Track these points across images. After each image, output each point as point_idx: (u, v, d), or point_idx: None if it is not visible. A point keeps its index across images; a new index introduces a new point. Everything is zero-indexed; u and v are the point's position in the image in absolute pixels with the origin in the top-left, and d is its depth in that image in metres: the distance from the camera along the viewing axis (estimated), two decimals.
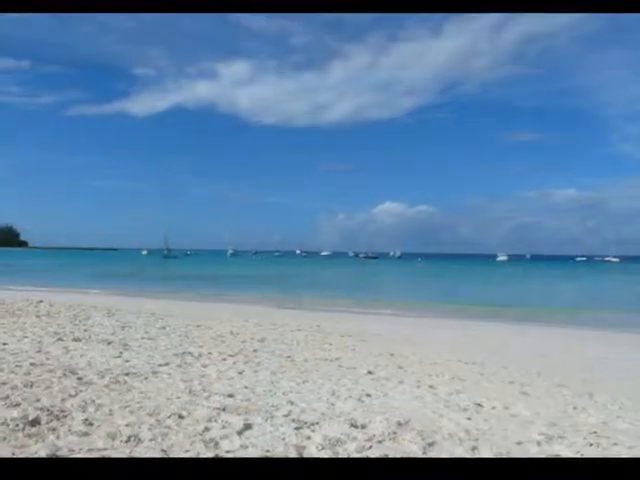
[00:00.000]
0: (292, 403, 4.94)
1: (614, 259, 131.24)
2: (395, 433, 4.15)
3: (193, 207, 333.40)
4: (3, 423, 3.78)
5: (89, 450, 3.44)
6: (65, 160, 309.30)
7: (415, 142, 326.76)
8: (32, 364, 5.86)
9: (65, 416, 4.08)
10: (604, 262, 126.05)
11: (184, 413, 4.34)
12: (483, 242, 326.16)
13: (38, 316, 10.93)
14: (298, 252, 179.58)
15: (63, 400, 4.48)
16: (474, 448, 3.95)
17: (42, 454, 3.30)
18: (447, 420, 4.73)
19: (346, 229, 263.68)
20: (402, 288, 40.24)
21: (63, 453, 3.36)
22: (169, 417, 4.21)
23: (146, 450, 3.51)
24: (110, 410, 4.32)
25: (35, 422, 3.87)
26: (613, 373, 8.63)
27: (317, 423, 4.30)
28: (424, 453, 3.82)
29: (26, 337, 7.94)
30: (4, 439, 3.54)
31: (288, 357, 7.82)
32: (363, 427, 4.28)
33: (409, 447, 3.90)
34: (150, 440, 3.69)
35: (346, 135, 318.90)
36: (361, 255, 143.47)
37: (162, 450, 3.53)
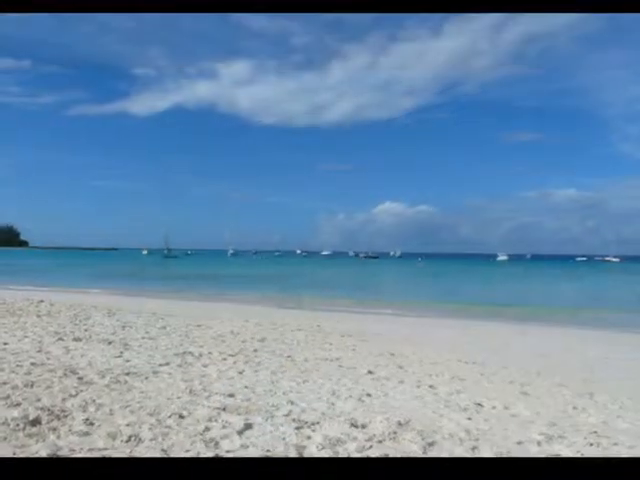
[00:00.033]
0: (292, 403, 4.95)
1: (614, 259, 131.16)
2: (395, 433, 4.15)
3: (193, 207, 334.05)
4: (4, 423, 3.79)
5: (90, 450, 3.44)
6: (65, 160, 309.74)
7: (415, 142, 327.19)
8: (33, 364, 5.86)
9: (66, 416, 4.08)
10: (604, 262, 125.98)
11: (184, 413, 4.34)
12: (483, 242, 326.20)
13: (39, 316, 10.94)
14: (298, 252, 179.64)
15: (64, 400, 4.48)
16: (474, 448, 3.96)
17: (43, 454, 3.31)
18: (447, 420, 4.73)
19: (346, 229, 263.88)
20: (402, 288, 40.25)
21: (64, 453, 3.37)
22: (169, 417, 4.21)
23: (146, 450, 3.52)
24: (111, 410, 4.32)
25: (36, 422, 3.88)
26: (613, 373, 8.63)
27: (317, 423, 4.31)
28: (424, 453, 3.82)
29: (27, 337, 7.95)
30: (5, 439, 3.54)
31: (288, 357, 7.82)
32: (363, 427, 4.28)
33: (409, 447, 3.90)
34: (151, 440, 3.70)
35: (346, 135, 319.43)
36: (361, 255, 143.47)
37: (162, 450, 3.53)
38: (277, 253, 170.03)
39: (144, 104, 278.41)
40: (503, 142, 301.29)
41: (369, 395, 5.58)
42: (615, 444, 4.30)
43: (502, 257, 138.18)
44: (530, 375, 7.80)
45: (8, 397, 4.43)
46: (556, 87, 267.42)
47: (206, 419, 4.22)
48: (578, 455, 3.94)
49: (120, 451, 3.47)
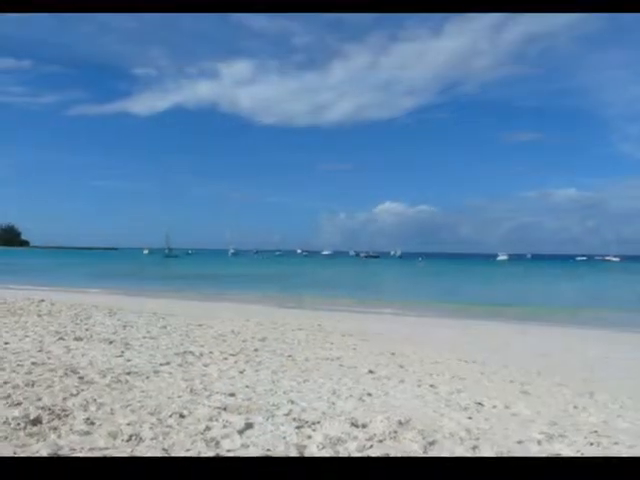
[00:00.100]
0: (293, 402, 4.95)
1: (614, 259, 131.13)
2: (396, 432, 4.15)
3: (194, 207, 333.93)
4: (5, 422, 3.79)
5: (90, 449, 3.45)
6: (66, 160, 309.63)
7: (415, 142, 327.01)
8: (33, 363, 5.87)
9: (66, 415, 4.09)
10: (604, 262, 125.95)
11: (185, 412, 4.35)
12: (483, 242, 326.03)
13: (39, 315, 10.95)
14: (299, 251, 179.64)
15: (64, 399, 4.49)
16: (475, 447, 3.96)
17: (43, 453, 3.31)
18: (448, 419, 4.74)
19: (347, 229, 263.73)
20: (403, 287, 40.26)
21: (64, 452, 3.37)
22: (170, 416, 4.22)
23: (147, 449, 3.52)
24: (111, 409, 4.33)
25: (36, 421, 3.88)
26: (614, 372, 8.63)
27: (318, 422, 4.31)
28: (425, 452, 3.82)
29: (27, 336, 7.96)
30: (6, 438, 3.55)
31: (289, 356, 7.83)
32: (364, 426, 4.29)
33: (410, 446, 3.90)
34: (151, 439, 3.70)
35: (346, 135, 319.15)
36: (362, 254, 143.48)
37: (163, 449, 3.53)
38: (278, 253, 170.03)
39: (145, 104, 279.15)
40: (503, 142, 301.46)
41: (370, 394, 5.58)
42: (615, 443, 4.30)
43: (502, 257, 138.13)
44: (530, 374, 7.80)
45: (9, 396, 4.44)
46: (556, 87, 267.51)
47: (207, 418, 4.23)
48: (578, 454, 3.95)
49: (121, 450, 3.48)
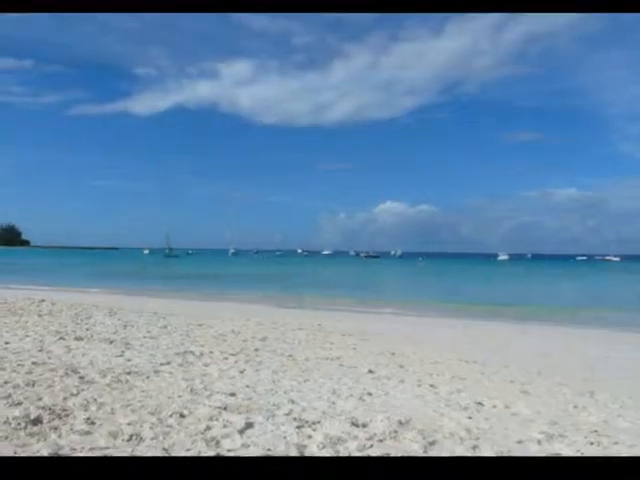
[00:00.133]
0: (293, 402, 4.95)
1: (615, 258, 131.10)
2: (396, 432, 4.16)
3: (195, 207, 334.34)
4: (5, 422, 3.80)
5: (91, 449, 3.45)
6: (67, 160, 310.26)
7: (416, 142, 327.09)
8: (34, 363, 5.87)
9: (67, 415, 4.09)
10: (604, 261, 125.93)
11: (185, 412, 4.35)
12: (484, 241, 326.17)
13: (40, 315, 10.96)
14: (299, 251, 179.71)
15: (65, 399, 4.49)
16: (475, 447, 3.96)
17: (44, 453, 3.32)
18: (448, 419, 4.74)
19: (347, 228, 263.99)
20: (403, 287, 40.25)
21: (65, 452, 3.38)
22: (171, 416, 4.22)
23: (148, 449, 3.53)
24: (112, 409, 4.33)
25: (37, 421, 3.88)
26: (614, 372, 8.62)
27: (318, 422, 4.31)
28: (425, 452, 3.83)
29: (28, 336, 7.96)
30: (6, 438, 3.55)
31: (289, 356, 7.83)
32: (364, 426, 4.29)
33: (410, 446, 3.91)
34: (152, 439, 3.71)
35: (347, 135, 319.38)
36: (362, 254, 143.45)
37: (164, 449, 3.54)
38: (278, 253, 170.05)
39: (145, 104, 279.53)
40: (504, 142, 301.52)
41: (370, 394, 5.58)
42: (616, 443, 4.31)
43: (503, 257, 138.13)
44: (531, 374, 7.80)
45: (9, 396, 4.44)
46: (557, 87, 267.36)
47: (207, 418, 4.23)
48: (578, 454, 3.95)
49: (121, 450, 3.48)
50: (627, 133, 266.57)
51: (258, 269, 64.59)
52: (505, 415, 5.10)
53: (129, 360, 6.55)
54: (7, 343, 7.22)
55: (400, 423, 4.37)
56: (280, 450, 3.66)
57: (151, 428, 3.90)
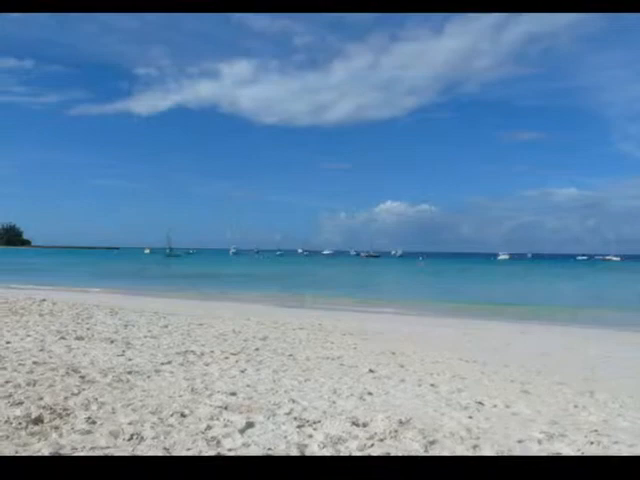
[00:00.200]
0: (294, 401, 4.96)
1: (615, 258, 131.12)
2: (396, 431, 4.16)
3: (195, 206, 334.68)
4: (6, 421, 3.81)
5: (92, 448, 3.46)
6: (67, 159, 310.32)
7: (416, 141, 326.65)
8: (35, 363, 5.88)
9: (68, 414, 4.10)
10: (605, 261, 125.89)
11: (186, 411, 4.36)
12: (484, 241, 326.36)
13: (41, 315, 10.97)
14: (300, 251, 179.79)
15: (66, 398, 4.50)
16: (475, 446, 3.97)
17: (45, 452, 3.32)
18: (448, 418, 4.74)
19: (347, 228, 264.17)
20: (403, 287, 40.23)
21: (66, 451, 3.38)
22: (171, 415, 4.23)
23: (148, 448, 3.53)
24: (113, 408, 4.34)
25: (38, 420, 3.89)
26: (614, 371, 8.62)
27: (319, 421, 4.32)
28: (425, 451, 3.83)
29: (29, 336, 7.97)
30: (7, 437, 3.56)
31: (290, 356, 7.83)
32: (364, 425, 4.29)
33: (410, 445, 3.91)
34: (152, 438, 3.71)
35: (347, 134, 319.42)
36: (362, 254, 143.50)
37: (164, 448, 3.54)
38: (278, 252, 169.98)
39: (146, 104, 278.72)
40: (504, 141, 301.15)
41: (370, 394, 5.59)
42: (616, 443, 4.31)
43: (503, 256, 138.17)
44: (531, 374, 7.80)
45: (10, 396, 4.45)
46: (557, 87, 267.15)
47: (208, 418, 4.24)
48: (579, 453, 3.95)
49: (122, 449, 3.49)
50: (627, 133, 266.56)
51: (258, 269, 64.59)
52: (505, 415, 5.10)
53: (130, 359, 6.55)
54: (8, 343, 7.23)
55: (400, 422, 4.37)
56: (281, 450, 3.66)
57: (152, 427, 3.91)
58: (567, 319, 18.41)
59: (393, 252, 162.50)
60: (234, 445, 3.70)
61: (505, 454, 3.84)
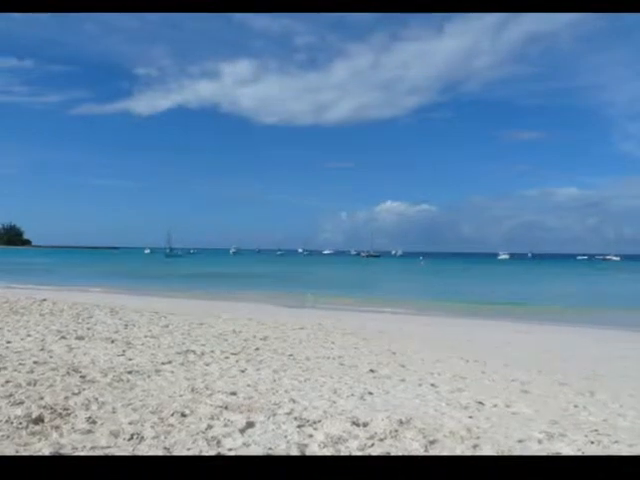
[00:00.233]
0: (294, 401, 4.96)
1: (615, 258, 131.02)
2: (397, 431, 4.16)
3: (196, 206, 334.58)
4: (7, 421, 3.81)
5: (92, 448, 3.46)
6: (68, 159, 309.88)
7: (417, 141, 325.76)
8: (35, 362, 5.89)
9: (68, 414, 4.10)
10: (605, 261, 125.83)
11: (187, 411, 4.36)
12: (485, 240, 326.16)
13: (41, 314, 10.98)
14: (300, 250, 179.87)
15: (66, 398, 4.51)
16: (475, 446, 3.97)
17: (45, 452, 3.33)
18: (449, 418, 4.75)
19: (348, 227, 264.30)
20: (404, 286, 40.21)
21: (66, 451, 3.39)
22: (172, 415, 4.23)
23: (149, 448, 3.54)
24: (113, 408, 4.35)
25: (38, 420, 3.90)
26: (614, 371, 8.62)
27: (319, 421, 4.32)
28: (426, 451, 3.83)
29: (29, 335, 7.98)
30: (8, 437, 3.56)
31: (290, 355, 7.84)
32: (365, 425, 4.30)
33: (411, 445, 3.91)
34: (153, 438, 3.71)
35: (348, 134, 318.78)
36: (363, 254, 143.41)
37: (165, 448, 3.55)
38: (279, 252, 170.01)
39: (147, 103, 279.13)
40: (504, 141, 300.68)
41: (371, 393, 5.59)
42: (616, 442, 4.31)
43: (503, 256, 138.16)
44: (531, 373, 7.80)
45: (11, 395, 4.45)
46: (557, 86, 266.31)
47: (208, 417, 4.24)
48: (579, 453, 3.95)
49: (122, 449, 3.49)
50: (628, 132, 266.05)
51: (259, 268, 64.59)
52: (506, 414, 5.10)
53: (130, 359, 6.56)
54: (9, 342, 7.24)
55: (401, 422, 4.38)
56: (281, 449, 3.66)
57: (152, 427, 3.91)
58: (567, 319, 18.41)
59: (393, 252, 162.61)
60: (234, 445, 3.70)
61: (505, 454, 3.84)
